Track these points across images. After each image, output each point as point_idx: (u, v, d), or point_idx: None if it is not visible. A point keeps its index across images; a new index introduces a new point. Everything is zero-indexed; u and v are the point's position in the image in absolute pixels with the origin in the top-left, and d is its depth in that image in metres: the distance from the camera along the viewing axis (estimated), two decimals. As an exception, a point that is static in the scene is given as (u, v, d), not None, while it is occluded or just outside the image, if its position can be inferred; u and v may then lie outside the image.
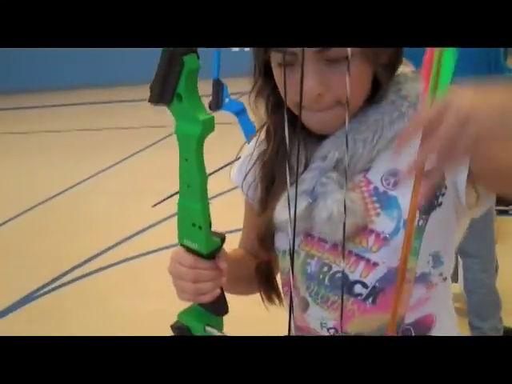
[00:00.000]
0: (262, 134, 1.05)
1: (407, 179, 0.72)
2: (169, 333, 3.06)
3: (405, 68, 0.96)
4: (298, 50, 0.86)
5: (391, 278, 0.91)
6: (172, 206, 3.32)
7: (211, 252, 0.86)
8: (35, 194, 4.76)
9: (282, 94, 0.89)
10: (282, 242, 1.00)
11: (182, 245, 0.88)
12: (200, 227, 0.84)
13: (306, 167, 0.96)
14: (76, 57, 8.05)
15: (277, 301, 1.09)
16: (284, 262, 1.01)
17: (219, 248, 0.87)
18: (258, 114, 1.02)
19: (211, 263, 0.87)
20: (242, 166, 1.07)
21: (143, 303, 3.05)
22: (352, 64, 0.83)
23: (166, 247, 3.56)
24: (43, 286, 3.35)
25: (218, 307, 0.90)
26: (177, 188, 0.85)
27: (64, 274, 3.45)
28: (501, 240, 2.81)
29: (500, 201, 3.23)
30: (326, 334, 0.98)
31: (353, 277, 0.92)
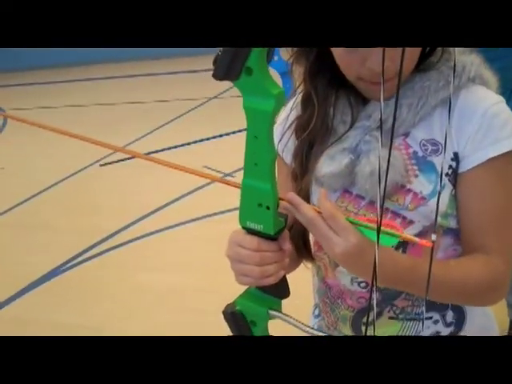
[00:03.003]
0: (297, 98, 1.06)
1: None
2: (190, 305, 3.07)
3: None
4: None
5: (424, 233, 0.96)
6: (193, 181, 3.30)
7: (277, 233, 0.82)
8: (61, 168, 4.79)
9: (345, 71, 0.96)
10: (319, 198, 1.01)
11: (244, 227, 0.83)
12: (268, 207, 0.79)
13: (351, 126, 1.00)
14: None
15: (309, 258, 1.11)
16: None
17: (283, 228, 0.83)
18: (292, 78, 1.03)
19: (275, 244, 0.83)
20: (276, 130, 1.08)
21: (168, 276, 3.06)
22: None
23: (191, 220, 3.58)
24: (69, 260, 3.38)
25: (281, 289, 0.86)
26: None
27: (89, 249, 3.48)
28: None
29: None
30: (357, 288, 1.03)
31: None
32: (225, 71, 0.72)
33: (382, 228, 0.73)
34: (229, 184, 0.86)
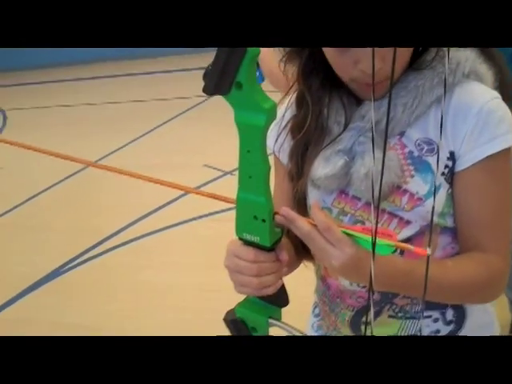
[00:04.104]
0: (292, 98, 1.06)
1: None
2: (191, 304, 3.07)
3: None
4: None
5: (421, 232, 0.96)
6: (194, 179, 3.32)
7: (273, 244, 0.82)
8: (60, 167, 4.79)
9: (338, 72, 0.96)
10: (316, 199, 1.02)
11: (241, 238, 0.83)
12: (264, 220, 0.79)
13: (345, 127, 0.99)
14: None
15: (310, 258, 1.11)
16: None
17: (280, 239, 0.83)
18: (286, 78, 1.03)
19: (272, 255, 0.83)
20: (272, 130, 1.07)
21: (168, 276, 3.07)
22: None
23: (191, 219, 3.59)
24: (69, 262, 3.39)
25: (280, 298, 0.87)
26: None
27: (89, 249, 3.49)
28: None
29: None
30: (356, 288, 1.04)
31: None
32: (215, 86, 0.73)
33: (377, 239, 0.73)
34: (201, 194, 0.87)
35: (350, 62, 0.91)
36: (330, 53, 0.94)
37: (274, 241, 0.82)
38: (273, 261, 0.83)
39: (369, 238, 0.77)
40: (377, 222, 0.65)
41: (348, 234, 0.79)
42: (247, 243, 0.83)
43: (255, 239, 0.81)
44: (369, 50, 0.87)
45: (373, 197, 0.68)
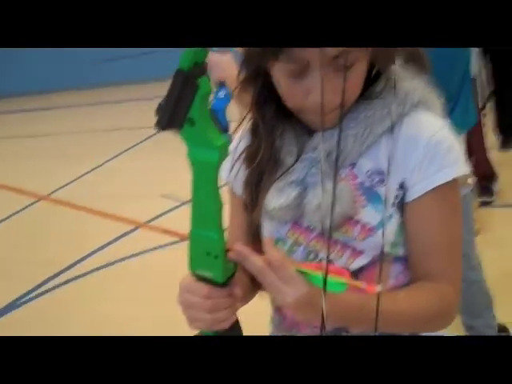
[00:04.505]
0: (246, 127, 1.06)
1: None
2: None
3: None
4: (311, 58, 0.89)
5: (374, 262, 0.97)
6: (155, 208, 3.27)
7: (227, 280, 0.82)
8: (20, 198, 4.72)
9: (289, 103, 0.96)
10: (270, 230, 1.01)
11: (194, 274, 0.83)
12: (216, 256, 0.79)
13: (297, 158, 0.99)
14: (54, 59, 7.89)
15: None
16: None
17: (233, 274, 0.83)
18: (241, 107, 1.03)
19: (226, 290, 0.83)
20: (226, 161, 1.07)
21: (129, 307, 3.02)
22: (359, 68, 0.92)
23: (154, 248, 3.56)
24: (30, 291, 3.33)
25: (234, 333, 0.87)
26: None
27: (51, 278, 3.43)
28: (483, 231, 2.83)
29: (483, 192, 3.27)
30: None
31: (338, 264, 0.96)
32: (167, 121, 0.73)
33: (329, 277, 0.74)
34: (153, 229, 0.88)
35: (302, 92, 0.92)
36: (281, 83, 0.95)
37: (228, 276, 0.82)
38: (226, 296, 0.84)
39: (321, 275, 0.77)
40: (328, 254, 0.67)
41: (302, 272, 0.80)
42: (200, 279, 0.83)
43: (208, 275, 0.82)
44: (323, 80, 0.88)
45: (323, 228, 0.69)
